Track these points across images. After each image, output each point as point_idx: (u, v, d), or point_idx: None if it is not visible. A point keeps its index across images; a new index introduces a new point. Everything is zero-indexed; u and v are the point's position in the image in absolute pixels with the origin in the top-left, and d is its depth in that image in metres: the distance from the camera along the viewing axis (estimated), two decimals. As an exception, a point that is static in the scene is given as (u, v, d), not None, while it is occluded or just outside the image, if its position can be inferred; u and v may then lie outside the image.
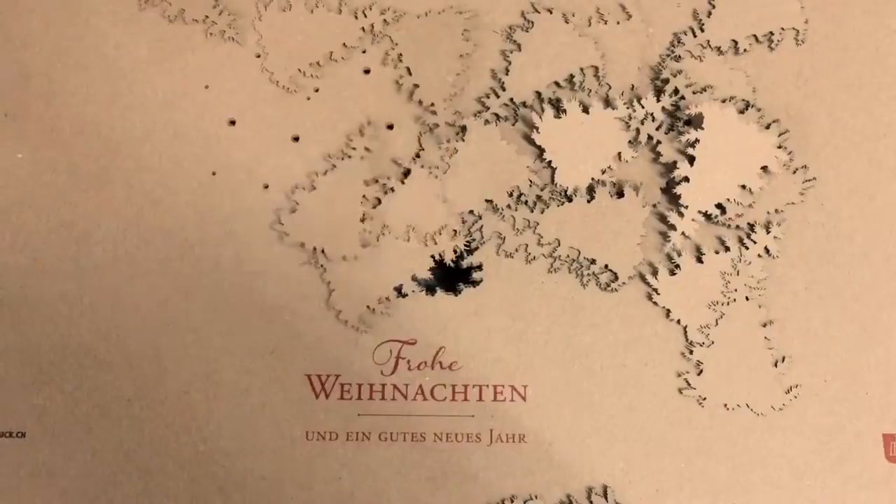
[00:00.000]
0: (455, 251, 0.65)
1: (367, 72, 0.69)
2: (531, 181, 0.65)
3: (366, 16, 0.69)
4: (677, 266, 0.64)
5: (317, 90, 0.68)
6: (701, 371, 0.63)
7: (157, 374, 0.63)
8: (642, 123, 0.65)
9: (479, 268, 0.65)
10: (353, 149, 0.66)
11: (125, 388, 0.63)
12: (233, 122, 0.68)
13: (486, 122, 0.66)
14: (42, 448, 0.62)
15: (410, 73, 0.67)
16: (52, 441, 0.62)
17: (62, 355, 0.64)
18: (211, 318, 0.64)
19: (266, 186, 0.67)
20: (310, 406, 0.63)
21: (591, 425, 0.63)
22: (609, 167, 0.65)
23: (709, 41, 0.67)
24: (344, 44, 0.68)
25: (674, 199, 0.65)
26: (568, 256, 0.64)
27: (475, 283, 0.65)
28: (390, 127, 0.67)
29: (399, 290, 0.65)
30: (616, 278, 0.64)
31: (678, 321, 0.64)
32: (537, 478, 0.62)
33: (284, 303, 0.64)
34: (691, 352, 0.63)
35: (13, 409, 0.63)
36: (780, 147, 0.65)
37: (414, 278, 0.65)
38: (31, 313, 0.64)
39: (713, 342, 0.63)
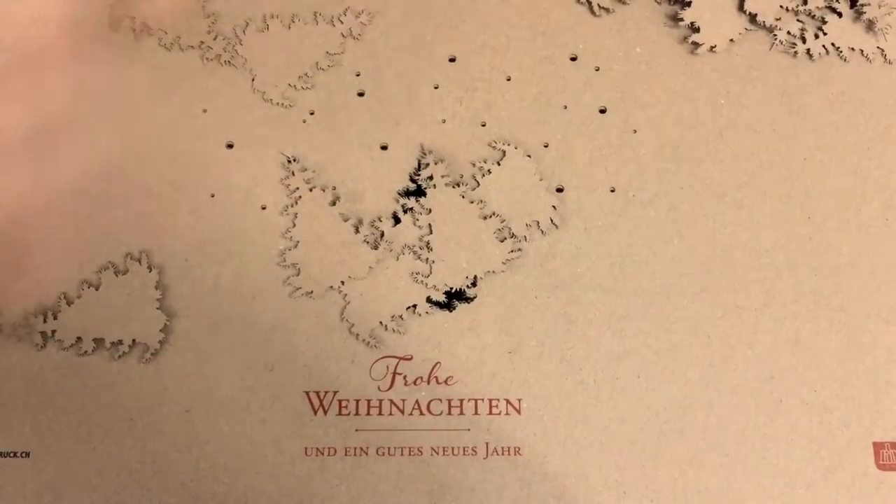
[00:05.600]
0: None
1: (361, 94, 0.70)
2: None
3: (342, 22, 0.70)
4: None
5: (312, 113, 0.70)
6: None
7: (158, 392, 0.64)
8: None
9: (473, 284, 0.66)
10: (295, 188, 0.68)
11: (128, 407, 0.64)
12: (230, 146, 0.69)
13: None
14: (46, 467, 0.63)
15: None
16: (56, 460, 0.63)
17: (65, 375, 0.65)
18: (211, 337, 0.66)
19: (263, 208, 0.68)
20: (308, 422, 0.64)
21: (586, 437, 0.64)
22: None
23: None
24: (327, 52, 0.70)
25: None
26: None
27: (469, 300, 0.66)
28: (384, 147, 0.69)
29: (414, 308, 0.66)
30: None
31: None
32: (532, 490, 0.63)
33: (282, 321, 0.66)
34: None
35: (17, 429, 0.64)
36: None
37: (429, 300, 0.66)
38: (35, 334, 0.65)
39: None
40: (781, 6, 0.69)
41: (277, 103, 0.70)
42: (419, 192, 0.67)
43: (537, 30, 0.71)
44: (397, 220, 0.67)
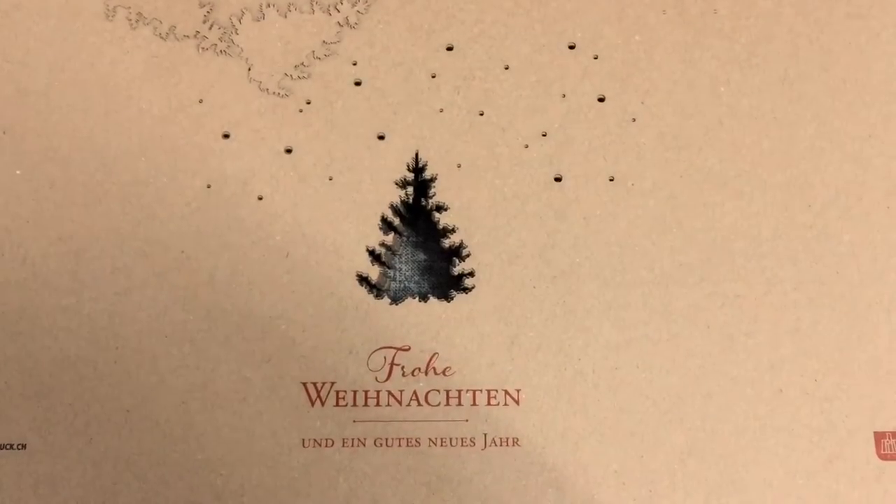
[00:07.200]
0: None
1: (358, 84, 0.70)
2: None
3: (339, 10, 0.70)
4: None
5: (309, 102, 0.69)
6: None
7: (155, 384, 0.64)
8: None
9: (471, 274, 0.66)
10: None
11: (124, 398, 0.64)
12: (226, 136, 0.69)
13: None
14: (43, 459, 0.63)
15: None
16: (53, 452, 0.63)
17: (62, 367, 0.64)
18: (207, 328, 0.65)
19: (260, 198, 0.68)
20: (306, 413, 0.64)
21: (584, 428, 0.63)
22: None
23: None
24: (324, 41, 0.70)
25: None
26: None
27: (467, 290, 0.65)
28: (381, 137, 0.69)
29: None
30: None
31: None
32: (531, 481, 0.62)
33: (279, 312, 0.65)
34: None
35: (14, 421, 0.63)
36: None
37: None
38: (31, 326, 0.65)
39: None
40: (781, -7, 0.69)
41: (274, 93, 0.69)
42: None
43: (535, 18, 0.70)
44: (397, 212, 0.67)
